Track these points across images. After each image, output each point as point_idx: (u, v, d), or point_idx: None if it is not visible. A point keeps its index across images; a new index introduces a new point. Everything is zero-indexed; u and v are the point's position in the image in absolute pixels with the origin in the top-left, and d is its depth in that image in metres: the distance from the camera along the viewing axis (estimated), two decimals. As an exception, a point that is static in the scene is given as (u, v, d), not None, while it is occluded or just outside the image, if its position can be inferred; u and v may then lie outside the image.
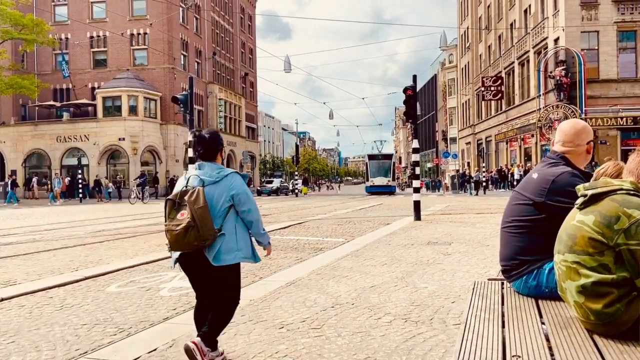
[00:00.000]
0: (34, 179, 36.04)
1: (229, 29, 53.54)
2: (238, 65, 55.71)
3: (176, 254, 3.08)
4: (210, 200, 2.97)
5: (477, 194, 31.79)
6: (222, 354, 3.07)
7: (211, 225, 2.91)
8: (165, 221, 3.02)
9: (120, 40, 39.92)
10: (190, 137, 10.63)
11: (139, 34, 41.27)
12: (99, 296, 4.95)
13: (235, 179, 3.11)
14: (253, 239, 3.21)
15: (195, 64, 45.69)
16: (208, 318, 3.03)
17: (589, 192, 1.97)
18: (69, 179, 36.54)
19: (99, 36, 41.12)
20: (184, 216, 2.91)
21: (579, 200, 2.02)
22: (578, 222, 1.97)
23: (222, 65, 51.44)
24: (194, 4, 44.10)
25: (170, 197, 3.07)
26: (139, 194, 29.44)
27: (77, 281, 5.67)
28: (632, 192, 1.93)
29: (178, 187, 3.13)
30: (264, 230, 3.25)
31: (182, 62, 43.26)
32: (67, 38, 41.50)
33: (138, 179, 31.56)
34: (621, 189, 1.93)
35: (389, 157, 41.44)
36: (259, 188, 39.70)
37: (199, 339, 2.92)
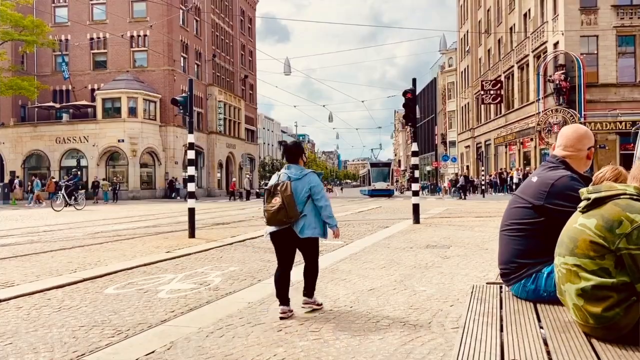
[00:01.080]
0: (16, 181, 35.74)
1: (229, 32, 53.60)
2: (238, 67, 55.76)
3: (270, 229, 4.30)
4: (295, 191, 4.18)
5: (463, 198, 31.56)
6: (320, 305, 4.40)
7: (295, 208, 4.13)
8: (264, 204, 4.28)
9: (120, 42, 39.97)
10: (190, 139, 10.63)
11: (139, 35, 41.31)
12: (97, 298, 4.94)
13: (312, 176, 4.36)
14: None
15: (195, 66, 45.72)
16: (304, 277, 4.43)
17: (592, 196, 1.98)
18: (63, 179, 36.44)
19: (99, 38, 41.17)
20: (276, 201, 4.15)
21: (582, 204, 2.02)
22: (580, 225, 1.97)
23: (222, 67, 51.48)
24: (194, 6, 44.17)
25: (267, 187, 4.32)
26: (68, 198, 23.92)
27: (75, 283, 5.66)
28: (635, 196, 1.94)
29: (272, 181, 4.37)
30: (332, 215, 4.37)
31: (182, 64, 43.30)
32: (67, 39, 41.54)
33: (65, 181, 25.84)
34: (625, 194, 1.93)
35: (387, 164, 48.10)
36: (257, 190, 39.77)
37: (285, 306, 4.14)
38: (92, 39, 41.41)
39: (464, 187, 33.21)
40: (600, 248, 1.88)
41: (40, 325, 4.01)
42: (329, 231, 4.47)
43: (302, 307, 4.31)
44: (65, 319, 4.19)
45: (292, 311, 4.14)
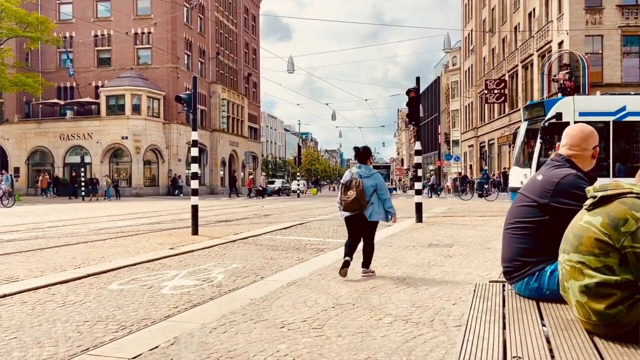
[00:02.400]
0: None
1: (232, 29, 53.61)
2: (241, 65, 55.78)
3: (345, 214, 5.69)
4: (364, 186, 5.58)
5: (431, 196, 31.72)
6: (373, 272, 5.70)
7: (365, 199, 5.56)
8: (340, 195, 5.73)
9: (125, 39, 40.04)
10: (194, 137, 10.67)
11: (143, 33, 41.38)
12: (101, 293, 4.97)
13: (378, 176, 5.78)
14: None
15: (199, 63, 45.77)
16: (363, 252, 5.71)
17: (599, 194, 1.98)
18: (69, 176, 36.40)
19: (103, 35, 41.26)
20: (351, 193, 5.58)
21: (588, 202, 2.03)
22: (585, 222, 1.97)
23: (226, 65, 51.51)
24: (198, 3, 44.20)
25: (343, 182, 5.76)
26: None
27: (79, 278, 5.69)
28: None
29: (346, 177, 5.76)
30: (392, 205, 5.79)
31: (186, 62, 43.35)
32: (71, 36, 41.64)
33: None
34: (631, 192, 1.94)
35: (387, 167, 60.28)
36: (259, 188, 39.89)
37: (349, 258, 5.51)
38: (96, 36, 41.50)
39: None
40: (605, 246, 1.89)
41: (44, 320, 4.04)
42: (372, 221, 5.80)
43: (362, 275, 5.62)
44: (70, 314, 4.21)
45: (349, 265, 5.50)
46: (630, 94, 16.84)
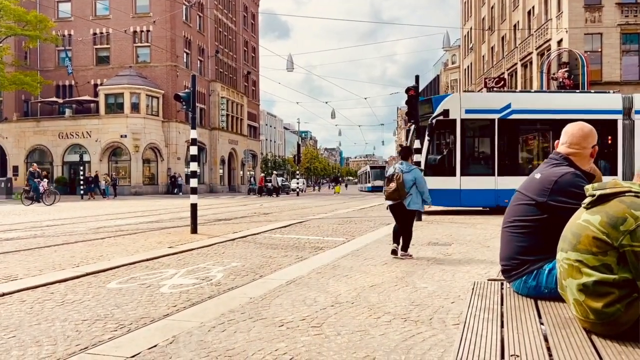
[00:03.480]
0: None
1: (232, 27, 53.54)
2: (240, 63, 55.72)
3: (388, 202, 6.85)
4: (404, 179, 6.68)
5: None
6: (411, 255, 6.70)
7: (404, 190, 6.64)
8: (385, 187, 6.86)
9: (123, 37, 39.98)
10: (193, 135, 10.68)
11: (142, 31, 41.32)
12: (99, 292, 4.96)
13: (417, 171, 6.92)
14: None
15: (198, 62, 45.72)
16: (401, 237, 6.75)
17: (598, 193, 1.98)
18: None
19: (102, 33, 41.21)
20: (393, 185, 6.66)
21: (587, 200, 2.03)
22: (584, 221, 1.97)
23: (225, 63, 51.46)
24: (197, 2, 44.14)
25: (387, 176, 6.91)
26: None
27: (78, 277, 5.69)
28: None
29: (390, 171, 6.89)
30: (429, 196, 6.98)
31: (185, 60, 43.30)
32: (70, 35, 41.57)
33: None
34: (630, 191, 1.94)
35: (383, 167, 64.57)
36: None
37: (396, 245, 6.75)
38: (95, 34, 41.44)
39: None
40: (603, 244, 1.89)
41: (43, 318, 4.04)
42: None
43: (401, 258, 6.62)
44: (68, 312, 4.21)
45: (396, 252, 6.73)
46: (515, 92, 16.35)
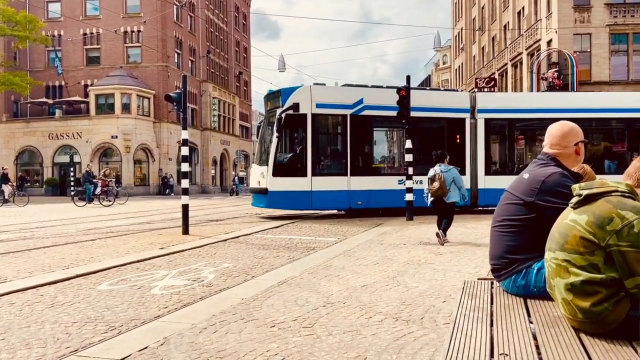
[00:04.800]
0: None
1: (223, 28, 53.41)
2: (232, 64, 55.60)
3: (431, 198, 8.30)
4: (445, 178, 8.11)
5: None
6: (448, 240, 8.14)
7: (445, 187, 8.09)
8: (428, 186, 8.30)
9: (114, 37, 39.74)
10: (184, 136, 10.64)
11: (132, 31, 41.10)
12: (90, 294, 4.93)
13: (454, 170, 8.36)
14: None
15: (189, 62, 45.56)
16: (443, 223, 8.27)
17: (584, 192, 1.99)
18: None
19: (92, 33, 40.94)
20: (436, 184, 8.10)
21: (574, 200, 2.04)
22: (571, 221, 1.99)
23: (216, 63, 51.32)
24: (188, 2, 43.98)
25: (429, 177, 8.33)
26: None
27: (68, 279, 5.65)
28: (627, 194, 1.96)
29: (431, 173, 8.33)
30: (465, 191, 8.50)
31: (176, 60, 43.12)
32: (59, 35, 41.25)
33: None
34: (616, 191, 1.95)
35: None
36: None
37: (441, 231, 8.15)
38: (85, 34, 41.15)
39: None
40: (590, 244, 1.90)
41: (32, 321, 4.01)
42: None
43: (444, 244, 8.01)
44: (58, 315, 4.18)
45: (443, 236, 8.12)
46: (367, 86, 15.59)
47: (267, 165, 13.95)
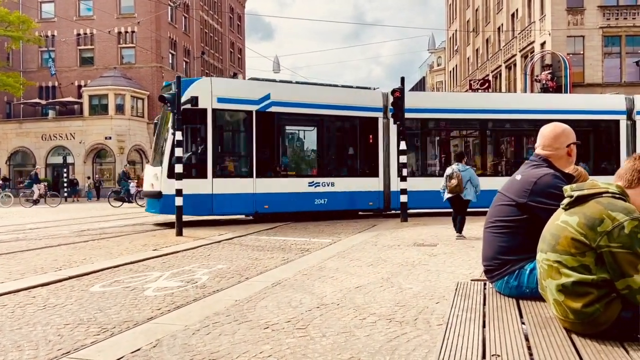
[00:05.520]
0: None
1: (218, 29, 53.35)
2: (227, 65, 55.54)
3: (448, 195, 9.02)
4: (462, 176, 8.85)
5: None
6: (464, 237, 8.93)
7: (462, 185, 8.82)
8: (446, 183, 9.02)
9: (108, 38, 39.58)
10: (178, 137, 10.60)
11: (126, 32, 40.96)
12: (82, 296, 4.91)
13: (470, 170, 9.15)
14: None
15: (184, 63, 45.46)
16: (458, 220, 9.08)
17: (575, 194, 2.00)
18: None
19: (85, 34, 40.76)
20: (453, 181, 8.82)
21: (565, 201, 2.05)
22: (562, 222, 1.99)
23: (211, 64, 51.24)
24: (182, 2, 43.90)
25: (447, 175, 9.06)
26: None
27: (60, 280, 5.62)
28: (617, 195, 1.96)
29: (449, 171, 9.07)
30: (479, 190, 9.07)
31: (170, 61, 43.01)
32: (53, 35, 41.05)
33: None
34: (607, 192, 1.96)
35: None
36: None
37: (458, 233, 9.10)
38: (79, 34, 40.98)
39: None
40: (582, 245, 1.91)
41: (24, 323, 3.98)
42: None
43: (457, 239, 8.82)
44: (50, 317, 4.16)
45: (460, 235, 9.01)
46: (276, 81, 14.54)
47: (161, 165, 12.63)
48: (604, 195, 1.96)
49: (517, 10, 36.07)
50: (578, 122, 15.34)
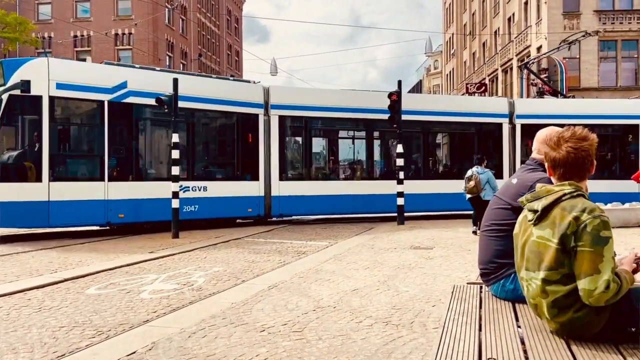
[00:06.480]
0: None
1: (215, 31, 53.37)
2: (224, 67, 55.53)
3: (468, 195, 10.03)
4: (480, 178, 9.88)
5: None
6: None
7: (480, 186, 9.81)
8: (466, 184, 10.03)
9: (105, 40, 39.53)
10: (175, 139, 10.56)
11: (123, 34, 40.91)
12: (78, 298, 4.89)
13: (489, 172, 10.10)
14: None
15: (181, 65, 45.43)
16: (477, 220, 9.51)
17: (540, 207, 2.01)
18: None
19: (82, 36, 40.68)
20: (472, 183, 9.87)
21: (531, 216, 2.06)
22: (538, 238, 2.00)
23: (208, 67, 51.23)
24: (180, 5, 43.91)
25: (467, 176, 10.12)
26: None
27: (56, 283, 5.60)
28: (575, 194, 1.98)
29: (468, 173, 10.14)
30: (496, 189, 8.74)
31: (168, 63, 42.96)
32: (50, 37, 40.98)
33: None
34: (564, 194, 1.98)
35: None
36: None
37: (475, 227, 9.84)
38: (75, 36, 40.91)
39: None
40: (560, 255, 1.93)
41: (19, 325, 3.97)
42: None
43: (473, 234, 9.65)
44: (46, 319, 4.14)
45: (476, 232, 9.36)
46: (135, 67, 12.63)
47: None
48: (563, 198, 1.98)
49: (513, 14, 36.22)
50: (463, 124, 15.19)
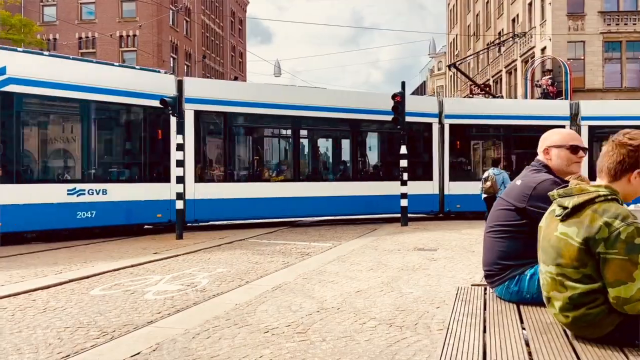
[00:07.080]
0: None
1: (219, 33, 53.49)
2: (228, 68, 55.64)
3: (484, 195, 11.23)
4: (496, 179, 11.01)
5: None
6: None
7: (496, 186, 10.86)
8: (482, 185, 11.33)
9: (109, 41, 39.68)
10: (179, 140, 10.59)
11: (128, 35, 41.06)
12: (82, 299, 4.91)
13: (505, 174, 11.34)
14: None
15: (185, 66, 45.54)
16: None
17: (570, 204, 1.98)
18: None
19: (87, 37, 40.86)
20: (488, 183, 11.06)
21: (559, 211, 2.03)
22: (562, 234, 1.98)
23: (212, 68, 51.35)
24: (184, 6, 44.04)
25: (484, 177, 11.52)
26: None
27: (60, 284, 5.62)
28: (609, 197, 1.95)
29: (485, 175, 11.46)
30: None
31: (172, 65, 43.07)
32: (55, 39, 41.18)
33: None
34: (599, 196, 1.95)
35: None
36: None
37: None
38: (80, 38, 41.10)
39: None
40: (583, 255, 1.91)
41: (24, 326, 3.98)
42: None
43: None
44: (50, 320, 4.15)
45: None
46: (17, 50, 10.74)
47: None
48: (596, 200, 1.95)
49: (517, 15, 36.15)
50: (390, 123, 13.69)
